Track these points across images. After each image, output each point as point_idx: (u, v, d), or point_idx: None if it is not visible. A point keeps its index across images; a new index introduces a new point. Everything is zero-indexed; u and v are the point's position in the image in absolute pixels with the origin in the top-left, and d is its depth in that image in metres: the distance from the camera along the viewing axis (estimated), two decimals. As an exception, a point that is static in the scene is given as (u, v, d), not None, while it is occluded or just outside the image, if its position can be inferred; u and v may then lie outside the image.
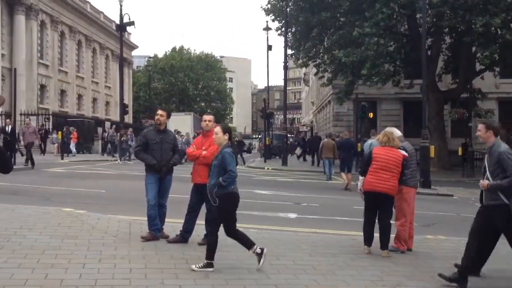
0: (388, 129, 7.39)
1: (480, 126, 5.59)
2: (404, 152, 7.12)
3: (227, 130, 6.00)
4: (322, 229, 8.85)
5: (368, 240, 6.96)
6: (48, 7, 46.40)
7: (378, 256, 6.73)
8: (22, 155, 22.08)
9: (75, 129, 33.80)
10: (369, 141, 15.00)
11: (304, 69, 55.86)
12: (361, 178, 7.18)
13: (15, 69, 33.75)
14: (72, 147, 31.76)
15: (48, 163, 23.09)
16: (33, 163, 20.17)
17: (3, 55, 39.92)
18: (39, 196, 11.70)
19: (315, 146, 34.09)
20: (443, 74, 28.44)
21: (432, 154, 17.89)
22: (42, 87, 46.31)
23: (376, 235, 6.96)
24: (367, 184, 6.95)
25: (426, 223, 10.03)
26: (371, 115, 32.53)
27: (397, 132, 7.34)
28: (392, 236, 7.11)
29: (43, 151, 31.38)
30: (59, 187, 13.85)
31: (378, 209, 6.95)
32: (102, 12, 60.16)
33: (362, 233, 7.10)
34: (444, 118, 27.58)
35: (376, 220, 7.00)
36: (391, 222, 7.06)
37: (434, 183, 17.55)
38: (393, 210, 7.17)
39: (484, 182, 5.35)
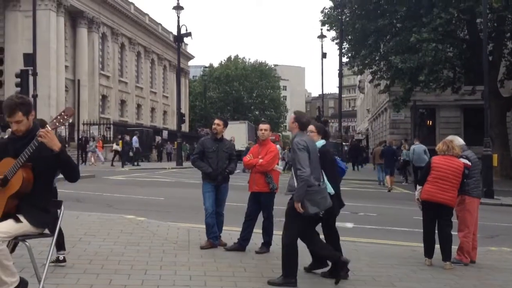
0: (449, 137, 7.20)
1: None
2: (466, 161, 6.90)
3: None
4: (381, 239, 8.70)
5: (428, 251, 6.79)
6: (109, 19, 48.12)
7: (440, 268, 6.55)
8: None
9: (100, 138, 34.34)
10: (413, 147, 19.70)
11: (359, 76, 55.22)
12: (419, 187, 7.02)
13: (78, 80, 35.11)
14: (100, 155, 32.04)
15: (109, 171, 23.87)
16: None
17: (66, 67, 41.66)
18: (102, 203, 12.11)
19: (354, 154, 34.40)
20: (505, 80, 27.43)
21: (495, 163, 17.27)
22: (104, 97, 47.99)
23: (437, 246, 6.78)
24: (425, 194, 6.78)
25: (490, 234, 9.67)
26: (429, 122, 31.74)
27: (459, 141, 7.13)
28: (455, 247, 6.90)
29: (83, 161, 29.78)
30: (120, 195, 14.29)
31: (437, 219, 6.77)
32: (160, 24, 61.82)
33: (422, 245, 6.93)
34: (507, 126, 26.55)
35: (437, 231, 6.82)
36: (453, 233, 6.85)
37: (497, 193, 16.90)
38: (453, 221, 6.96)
39: None
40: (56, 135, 3.83)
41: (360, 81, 64.24)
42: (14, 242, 3.95)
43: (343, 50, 29.60)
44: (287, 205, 5.59)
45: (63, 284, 4.99)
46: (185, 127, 51.55)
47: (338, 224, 10.24)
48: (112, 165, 29.39)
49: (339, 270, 5.57)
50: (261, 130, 7.17)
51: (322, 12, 28.96)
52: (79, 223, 8.30)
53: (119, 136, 32.38)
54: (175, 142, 37.75)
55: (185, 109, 60.30)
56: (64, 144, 4.00)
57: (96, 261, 5.99)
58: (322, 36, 37.10)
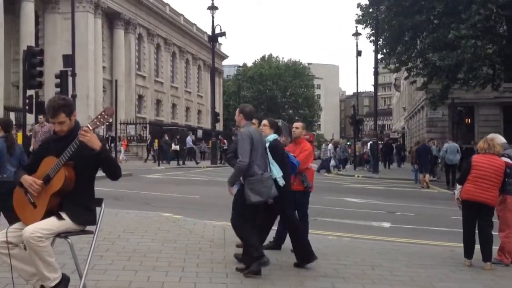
0: (490, 135, 7.03)
1: None
2: (507, 160, 6.73)
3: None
4: (419, 239, 8.57)
5: (468, 252, 6.65)
6: (145, 21, 48.83)
7: (480, 269, 6.41)
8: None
9: (125, 137, 34.88)
10: (446, 145, 20.16)
11: (394, 74, 54.46)
12: (459, 186, 6.87)
13: (116, 80, 35.75)
14: (123, 154, 32.42)
15: (146, 169, 24.24)
16: None
17: (104, 67, 42.48)
18: (139, 201, 12.31)
19: (387, 152, 34.35)
20: (547, 77, 26.55)
21: (537, 161, 16.74)
22: (140, 97, 48.75)
23: (477, 246, 6.63)
24: (465, 193, 6.65)
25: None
26: (468, 120, 31.05)
27: (501, 139, 6.95)
28: (495, 248, 6.74)
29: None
30: (156, 193, 14.50)
31: (478, 219, 6.62)
32: (194, 24, 62.35)
33: (461, 245, 6.79)
34: (549, 123, 25.74)
35: (477, 231, 6.68)
36: (494, 233, 6.69)
37: (540, 193, 16.39)
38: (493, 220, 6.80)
39: None
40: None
41: (396, 79, 63.36)
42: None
43: (378, 48, 29.22)
44: (234, 197, 5.91)
45: (103, 281, 5.09)
46: (219, 126, 51.86)
47: (374, 223, 10.23)
48: (178, 164, 29.82)
49: (253, 264, 5.54)
50: (294, 128, 7.17)
51: (357, 7, 28.66)
52: (117, 220, 8.45)
53: (178, 137, 32.88)
54: (210, 141, 38.06)
55: (219, 109, 60.74)
56: (105, 143, 4.07)
57: (134, 258, 6.09)
58: (357, 34, 36.70)
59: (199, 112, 65.20)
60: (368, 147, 30.43)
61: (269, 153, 5.99)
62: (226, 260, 6.21)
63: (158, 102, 53.37)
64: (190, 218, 9.18)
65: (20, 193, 3.97)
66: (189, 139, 32.50)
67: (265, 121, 6.55)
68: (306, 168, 6.87)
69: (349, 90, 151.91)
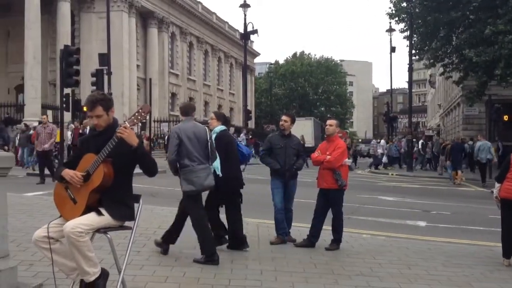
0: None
1: None
2: (547, 158, 6.56)
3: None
4: (456, 238, 8.42)
5: (507, 251, 6.49)
6: (178, 19, 49.28)
7: (520, 269, 6.26)
8: None
9: (145, 132, 35.05)
10: (478, 144, 20.32)
11: (429, 70, 53.55)
12: (497, 185, 6.73)
13: (150, 79, 36.20)
14: None
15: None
16: (42, 178, 14.57)
17: (138, 66, 43.06)
18: (173, 198, 12.39)
19: (458, 153, 33.69)
20: None
21: None
22: (173, 95, 49.26)
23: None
24: (504, 191, 6.51)
25: None
26: (505, 117, 30.28)
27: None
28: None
29: None
30: (189, 190, 14.60)
31: (517, 218, 6.47)
32: (226, 22, 62.60)
33: (500, 244, 6.65)
34: None
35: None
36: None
37: None
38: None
39: None
40: None
41: (431, 75, 62.25)
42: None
43: (412, 43, 28.77)
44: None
45: (140, 276, 5.18)
46: (251, 124, 52.01)
47: (409, 222, 10.10)
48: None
49: (207, 259, 5.80)
50: (327, 125, 7.14)
51: (391, 1, 28.28)
52: (153, 216, 8.58)
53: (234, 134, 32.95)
54: (254, 139, 38.20)
55: (251, 106, 60.81)
56: (142, 140, 4.14)
57: (170, 254, 6.18)
58: (391, 30, 36.25)
59: (231, 109, 65.47)
60: (420, 145, 29.89)
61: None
62: (260, 257, 6.23)
63: (191, 100, 53.77)
64: (223, 215, 9.21)
65: (60, 188, 4.06)
66: (243, 137, 32.35)
67: (212, 114, 7.01)
68: (340, 165, 6.84)
69: (382, 87, 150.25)
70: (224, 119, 6.94)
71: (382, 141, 30.32)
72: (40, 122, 15.95)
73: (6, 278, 4.25)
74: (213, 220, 6.55)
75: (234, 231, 6.73)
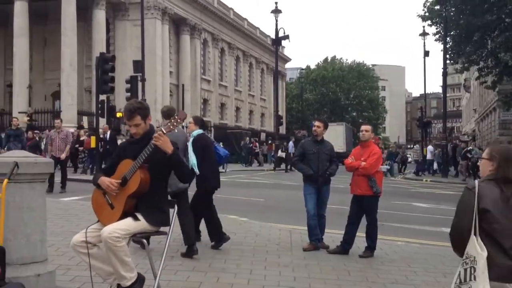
0: None
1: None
2: None
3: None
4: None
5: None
6: (209, 26, 49.73)
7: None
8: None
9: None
10: None
11: (464, 74, 52.57)
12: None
13: (183, 85, 36.57)
14: None
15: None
16: (51, 186, 12.93)
17: (171, 72, 43.58)
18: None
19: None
20: None
21: None
22: (205, 101, 49.66)
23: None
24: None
25: None
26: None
27: None
28: None
29: None
30: (221, 195, 14.61)
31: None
32: (258, 28, 62.84)
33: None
34: None
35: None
36: None
37: None
38: None
39: None
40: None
41: (465, 80, 61.07)
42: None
43: (446, 47, 28.31)
44: None
45: (174, 281, 5.23)
46: (282, 129, 51.96)
47: (444, 229, 9.90)
48: (286, 170, 29.53)
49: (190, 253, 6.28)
50: (362, 131, 7.06)
51: (424, 6, 27.91)
52: (186, 222, 8.64)
53: (285, 143, 33.01)
54: (273, 144, 38.16)
55: (282, 112, 60.77)
56: (176, 146, 4.20)
57: (203, 259, 6.21)
58: (424, 34, 35.70)
59: (262, 115, 65.58)
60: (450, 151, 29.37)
61: (190, 146, 6.81)
62: (294, 263, 6.22)
63: (222, 106, 54.16)
64: (255, 221, 9.26)
65: (98, 194, 4.15)
66: (291, 144, 32.09)
67: (190, 118, 7.23)
68: (375, 172, 6.78)
69: (416, 92, 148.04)
70: (201, 123, 7.32)
71: (430, 147, 29.76)
72: (53, 127, 15.16)
73: (44, 282, 4.35)
74: (210, 220, 7.00)
75: (215, 224, 7.13)
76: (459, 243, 2.96)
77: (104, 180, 4.04)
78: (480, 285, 2.76)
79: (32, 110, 34.39)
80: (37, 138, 19.15)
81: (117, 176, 4.07)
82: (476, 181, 2.99)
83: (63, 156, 13.69)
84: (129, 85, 19.83)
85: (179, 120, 4.03)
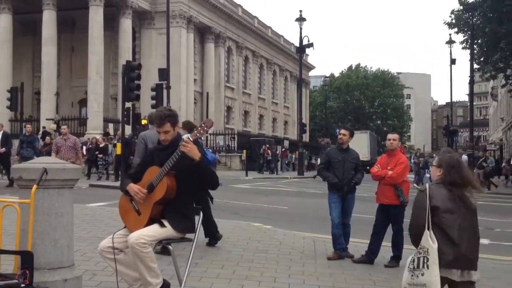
0: None
1: None
2: None
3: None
4: (521, 257, 8.06)
5: None
6: (234, 34, 50.02)
7: None
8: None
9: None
10: None
11: (491, 82, 51.78)
12: None
13: (207, 92, 36.75)
14: None
15: (235, 179, 24.70)
16: None
17: (195, 80, 43.91)
18: (229, 210, 12.55)
19: None
20: None
21: None
22: (228, 109, 49.88)
23: None
24: None
25: None
26: None
27: None
28: None
29: None
30: (245, 202, 14.72)
31: None
32: (282, 36, 62.95)
33: None
34: None
35: None
36: None
37: None
38: None
39: None
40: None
41: (492, 88, 60.13)
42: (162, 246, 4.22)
43: (474, 55, 27.95)
44: None
45: (199, 287, 5.24)
46: (305, 137, 51.85)
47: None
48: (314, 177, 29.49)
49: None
50: (390, 140, 6.99)
51: (451, 13, 27.64)
52: (210, 229, 8.66)
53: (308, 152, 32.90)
54: (296, 152, 38.09)
55: (305, 119, 60.68)
56: (203, 153, 4.23)
57: (227, 266, 6.21)
58: (450, 42, 35.31)
59: (286, 123, 65.53)
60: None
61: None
62: (318, 272, 6.17)
63: (246, 113, 54.30)
64: (279, 229, 9.22)
65: (125, 200, 4.19)
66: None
67: (180, 124, 7.84)
68: (402, 181, 6.70)
69: (442, 100, 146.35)
70: (189, 127, 7.69)
71: (464, 156, 29.32)
72: (59, 133, 13.78)
73: (71, 287, 4.39)
74: (206, 219, 7.04)
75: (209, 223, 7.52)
76: (417, 237, 3.48)
77: (133, 187, 4.08)
78: (432, 273, 3.29)
79: (59, 117, 34.98)
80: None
81: (144, 182, 4.11)
82: (427, 184, 3.59)
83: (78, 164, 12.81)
84: (154, 93, 20.02)
85: (205, 128, 4.05)
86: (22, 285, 3.92)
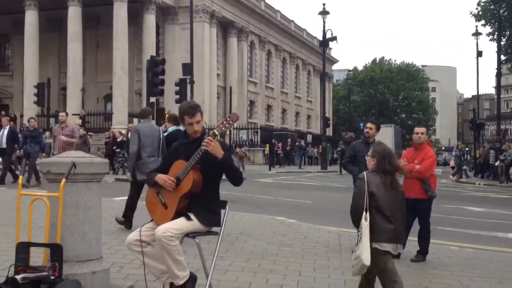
0: None
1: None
2: None
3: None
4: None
5: None
6: (257, 28, 49.96)
7: None
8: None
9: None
10: None
11: (519, 75, 50.72)
12: None
13: (230, 87, 36.82)
14: None
15: (258, 173, 24.75)
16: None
17: (218, 74, 44.03)
18: (253, 204, 12.60)
19: None
20: None
21: None
22: (251, 103, 49.91)
23: None
24: None
25: None
26: None
27: None
28: None
29: None
30: (269, 197, 14.73)
31: None
32: (305, 30, 62.67)
33: None
34: None
35: None
36: None
37: None
38: None
39: None
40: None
41: (520, 80, 58.90)
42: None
43: (501, 47, 27.41)
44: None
45: (224, 281, 5.26)
46: (329, 131, 51.58)
47: (500, 234, 9.59)
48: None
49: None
50: (418, 133, 6.90)
51: (478, 4, 27.14)
52: (235, 223, 8.69)
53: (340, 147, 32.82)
54: (319, 146, 37.96)
55: (329, 113, 60.40)
56: (228, 149, 4.23)
57: (252, 260, 6.22)
58: (477, 34, 34.61)
59: (309, 117, 65.29)
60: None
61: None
62: (343, 266, 6.14)
63: (269, 108, 54.25)
64: (303, 223, 9.21)
65: (152, 194, 4.23)
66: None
67: (167, 118, 8.85)
68: (430, 175, 6.62)
69: (468, 93, 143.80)
70: (174, 120, 8.42)
71: (492, 151, 28.76)
72: (56, 121, 13.38)
73: (100, 279, 4.46)
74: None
75: None
76: (357, 218, 3.97)
77: (162, 176, 4.11)
78: (364, 245, 3.84)
79: (85, 112, 35.49)
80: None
81: (170, 176, 4.13)
82: (364, 173, 4.11)
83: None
84: (178, 88, 20.14)
85: (231, 122, 4.06)
86: (52, 277, 3.98)
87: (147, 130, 7.88)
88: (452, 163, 30.37)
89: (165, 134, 8.21)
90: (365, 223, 3.87)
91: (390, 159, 4.09)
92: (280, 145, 38.01)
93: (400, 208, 4.04)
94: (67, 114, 12.15)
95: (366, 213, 3.90)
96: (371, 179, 4.03)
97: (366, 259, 3.84)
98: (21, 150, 14.70)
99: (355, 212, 4.03)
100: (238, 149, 33.14)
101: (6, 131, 14.72)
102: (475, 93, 43.23)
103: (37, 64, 38.56)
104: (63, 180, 4.19)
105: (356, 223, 3.99)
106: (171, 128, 8.38)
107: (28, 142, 14.21)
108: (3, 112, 32.63)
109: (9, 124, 15.17)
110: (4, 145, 14.59)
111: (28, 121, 15.48)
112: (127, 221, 7.83)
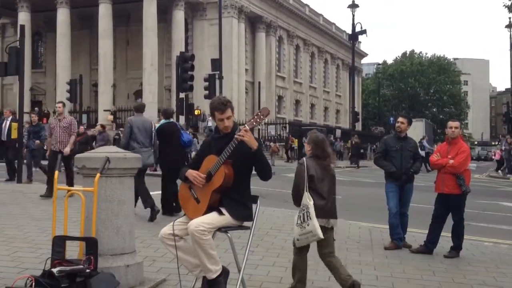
0: None
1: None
2: None
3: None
4: None
5: None
6: (285, 23, 49.78)
7: None
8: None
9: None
10: None
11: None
12: None
13: (259, 82, 36.78)
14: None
15: (287, 168, 24.68)
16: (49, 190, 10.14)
17: (246, 70, 44.06)
18: (281, 199, 12.58)
19: None
20: None
21: None
22: (280, 98, 49.80)
23: None
24: None
25: None
26: None
27: None
28: None
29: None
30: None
31: None
32: (333, 23, 62.14)
33: None
34: None
35: None
36: None
37: None
38: None
39: None
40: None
41: (556, 73, 57.20)
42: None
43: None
44: None
45: (255, 275, 5.28)
46: (358, 126, 51.14)
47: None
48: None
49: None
50: (452, 127, 6.78)
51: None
52: (265, 217, 8.71)
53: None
54: (349, 141, 37.65)
55: (358, 108, 59.85)
56: (260, 143, 4.25)
57: (283, 255, 6.23)
58: (510, 25, 33.84)
59: (338, 111, 64.83)
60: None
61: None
62: (375, 262, 6.10)
63: (297, 102, 54.07)
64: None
65: (185, 188, 4.27)
66: (425, 142, 29.80)
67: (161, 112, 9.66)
68: (464, 170, 6.50)
69: (501, 86, 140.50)
70: (165, 114, 9.33)
71: None
72: (54, 113, 12.49)
73: (133, 272, 4.54)
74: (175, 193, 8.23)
75: (166, 199, 8.81)
76: (297, 198, 4.52)
77: (192, 172, 4.14)
78: (315, 222, 4.35)
79: (115, 108, 36.00)
80: (88, 133, 18.92)
81: (202, 171, 4.16)
82: (304, 158, 4.61)
83: (66, 150, 10.37)
84: (207, 83, 20.25)
85: (262, 116, 4.06)
86: (87, 270, 4.07)
87: (140, 124, 8.60)
88: (497, 156, 29.59)
89: (157, 126, 9.01)
90: (310, 203, 4.36)
91: (322, 145, 4.60)
92: (293, 138, 37.74)
93: (332, 188, 4.58)
94: (64, 105, 11.16)
95: (307, 193, 4.40)
96: (309, 164, 4.53)
97: (320, 233, 4.37)
98: (24, 148, 14.20)
99: (295, 193, 4.54)
100: (272, 144, 33.11)
101: (8, 122, 14.50)
102: (509, 86, 42.27)
103: (69, 61, 39.27)
104: (98, 175, 4.26)
105: (297, 203, 4.51)
106: (162, 121, 9.18)
107: (31, 138, 14.06)
108: (36, 109, 33.45)
109: (11, 115, 14.74)
110: (5, 138, 14.38)
111: (30, 115, 15.07)
112: (165, 206, 8.78)
